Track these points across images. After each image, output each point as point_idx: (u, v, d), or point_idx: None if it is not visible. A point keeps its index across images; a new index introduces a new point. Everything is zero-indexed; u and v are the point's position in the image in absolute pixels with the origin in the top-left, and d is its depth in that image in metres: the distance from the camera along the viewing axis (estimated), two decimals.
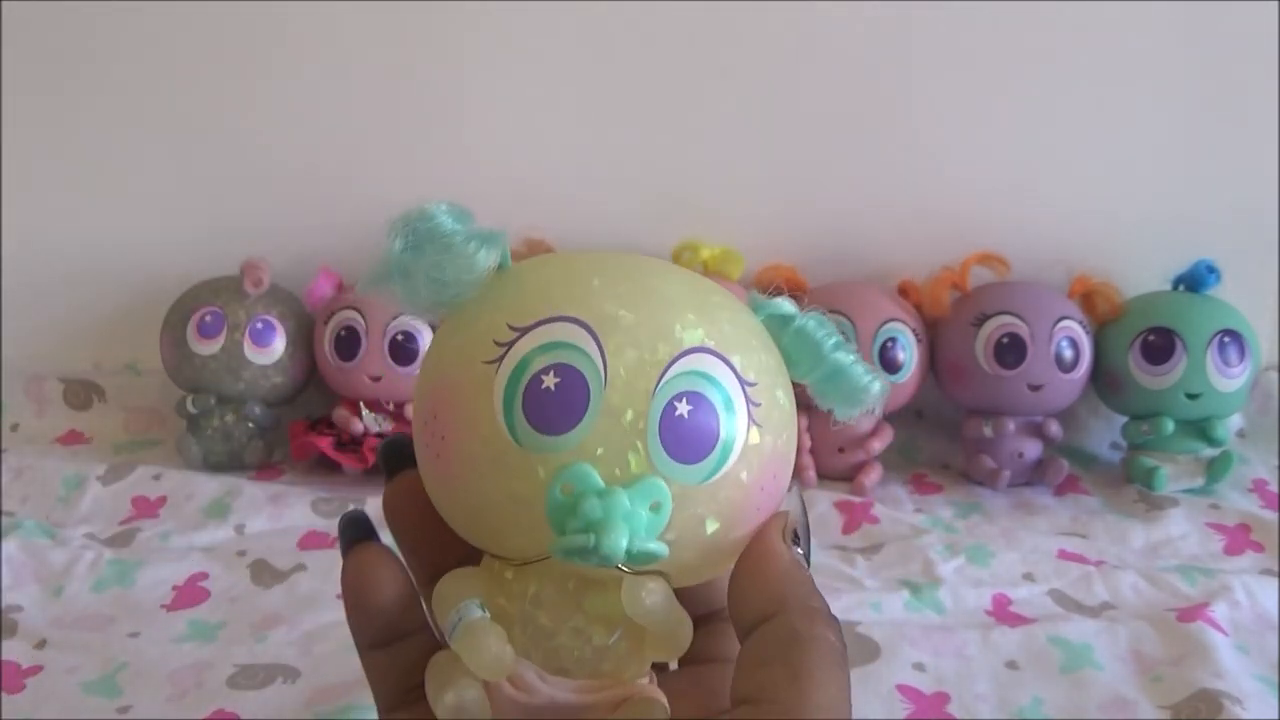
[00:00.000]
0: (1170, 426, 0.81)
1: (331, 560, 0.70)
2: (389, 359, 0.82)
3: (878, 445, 0.82)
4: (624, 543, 0.23)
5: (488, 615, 0.25)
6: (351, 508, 0.28)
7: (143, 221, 0.92)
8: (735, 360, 0.25)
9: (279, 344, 0.84)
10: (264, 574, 0.68)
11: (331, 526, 0.75)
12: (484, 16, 0.87)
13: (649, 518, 0.24)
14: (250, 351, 0.84)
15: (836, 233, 0.90)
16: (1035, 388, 0.81)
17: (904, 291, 0.86)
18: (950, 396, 0.85)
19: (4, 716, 0.55)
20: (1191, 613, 0.62)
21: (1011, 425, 0.82)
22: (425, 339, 0.83)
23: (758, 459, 0.25)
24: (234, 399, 0.84)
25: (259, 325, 0.84)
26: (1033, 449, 0.83)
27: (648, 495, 0.23)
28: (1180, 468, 0.81)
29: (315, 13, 0.87)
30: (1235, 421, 0.86)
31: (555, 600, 0.26)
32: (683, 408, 0.24)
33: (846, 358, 0.27)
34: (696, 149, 0.90)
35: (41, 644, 0.61)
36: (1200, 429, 0.81)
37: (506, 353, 0.24)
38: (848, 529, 0.75)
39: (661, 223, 0.87)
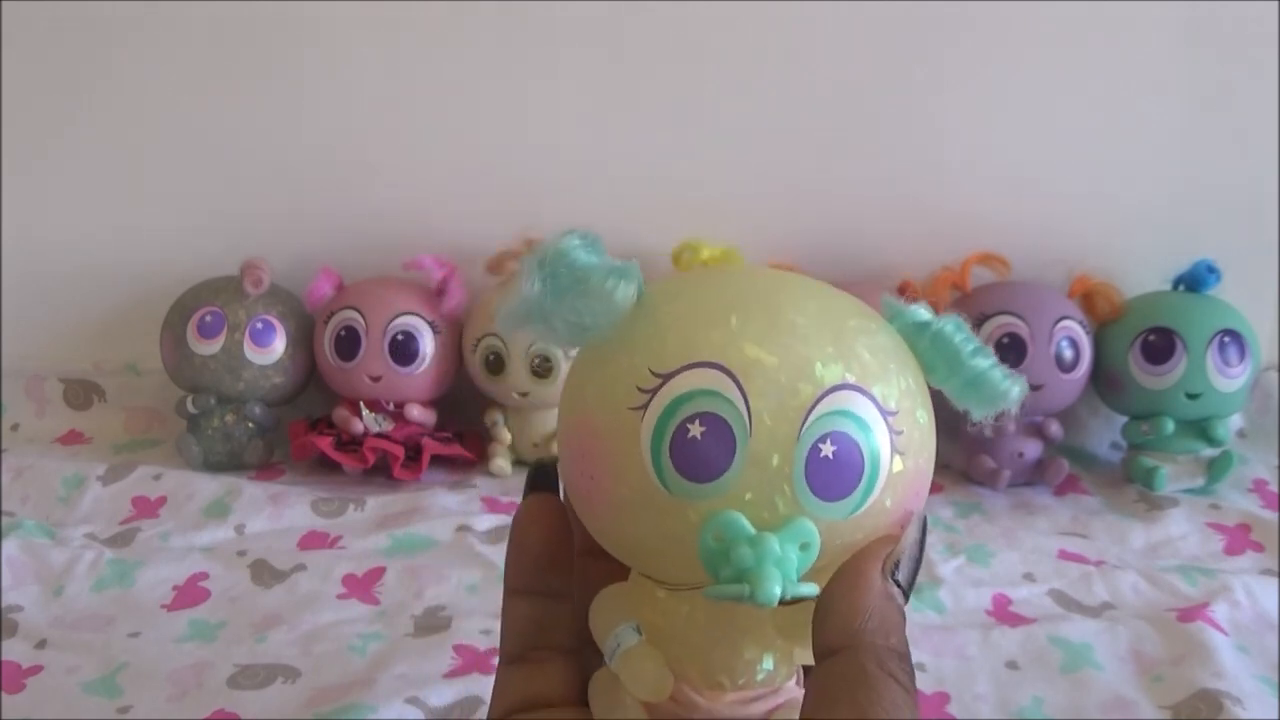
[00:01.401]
0: (1170, 426, 0.81)
1: (331, 560, 0.70)
2: (389, 359, 0.82)
3: None
4: (778, 590, 0.23)
5: (643, 638, 0.26)
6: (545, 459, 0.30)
7: (143, 221, 0.92)
8: (876, 391, 0.25)
9: (279, 344, 0.84)
10: (264, 574, 0.69)
11: (331, 527, 0.75)
12: (485, 17, 0.87)
13: (799, 557, 0.24)
14: (250, 351, 0.84)
15: (836, 233, 0.90)
16: (1035, 388, 0.81)
17: (904, 291, 0.86)
18: None
19: (4, 716, 0.55)
20: (1191, 613, 0.62)
21: (1011, 425, 0.82)
22: (425, 339, 0.83)
23: (901, 484, 0.25)
24: (234, 399, 0.84)
25: (259, 325, 0.84)
26: (1033, 449, 0.83)
27: (797, 537, 0.24)
28: (1180, 468, 0.81)
29: (316, 12, 0.87)
30: (1235, 421, 0.86)
31: (708, 620, 0.26)
32: (827, 448, 0.24)
33: (985, 363, 0.27)
34: (697, 149, 0.90)
35: (42, 644, 0.61)
36: (1200, 429, 0.81)
37: (651, 400, 0.24)
38: None
39: (661, 223, 0.87)
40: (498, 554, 0.66)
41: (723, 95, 0.89)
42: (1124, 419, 0.85)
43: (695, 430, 0.24)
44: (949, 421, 0.26)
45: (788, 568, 0.23)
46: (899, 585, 0.25)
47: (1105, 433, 0.89)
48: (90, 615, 0.64)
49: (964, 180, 0.90)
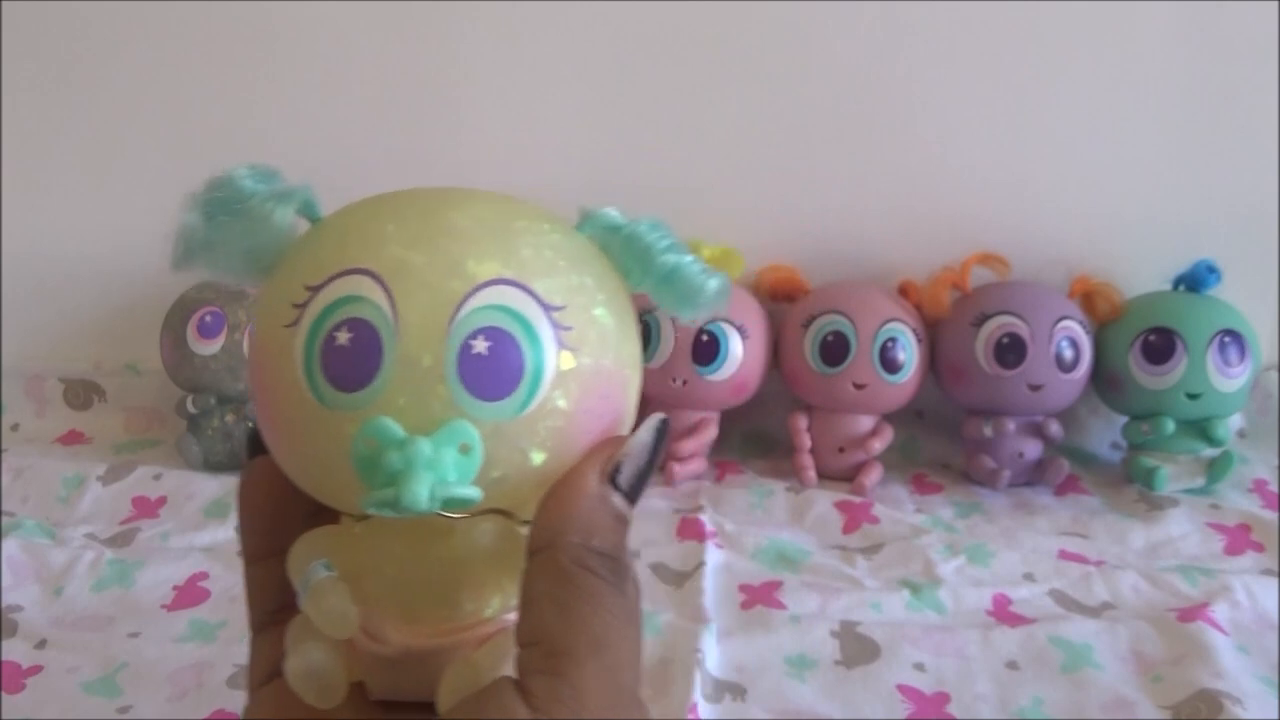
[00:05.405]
0: (1170, 426, 0.81)
1: None
2: None
3: (878, 445, 0.82)
4: (425, 492, 0.22)
5: (334, 574, 0.25)
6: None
7: (143, 221, 0.91)
8: (537, 286, 0.24)
9: None
10: None
11: None
12: (485, 17, 0.87)
13: (460, 461, 0.23)
14: None
15: (836, 233, 0.90)
16: (1035, 388, 0.81)
17: (904, 291, 0.86)
18: (950, 396, 0.85)
19: (4, 716, 0.55)
20: (1192, 613, 0.62)
21: (1011, 425, 0.82)
22: None
23: (576, 383, 0.24)
24: (234, 399, 0.84)
25: None
26: (1033, 449, 0.83)
27: (454, 438, 0.23)
28: (1180, 468, 0.81)
29: (315, 12, 0.87)
30: (1235, 421, 0.86)
31: (402, 551, 0.26)
32: (480, 344, 0.23)
33: (679, 258, 0.27)
34: (697, 149, 0.90)
35: (42, 644, 0.61)
36: (1200, 429, 0.81)
37: (301, 314, 0.24)
38: (848, 529, 0.75)
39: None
40: None
41: (724, 96, 0.89)
42: (1124, 419, 0.85)
43: (342, 337, 0.23)
44: (950, 421, 0.25)
45: (442, 470, 0.23)
46: (620, 489, 0.25)
47: (1105, 433, 0.89)
48: (90, 615, 0.64)
49: (964, 180, 0.90)
